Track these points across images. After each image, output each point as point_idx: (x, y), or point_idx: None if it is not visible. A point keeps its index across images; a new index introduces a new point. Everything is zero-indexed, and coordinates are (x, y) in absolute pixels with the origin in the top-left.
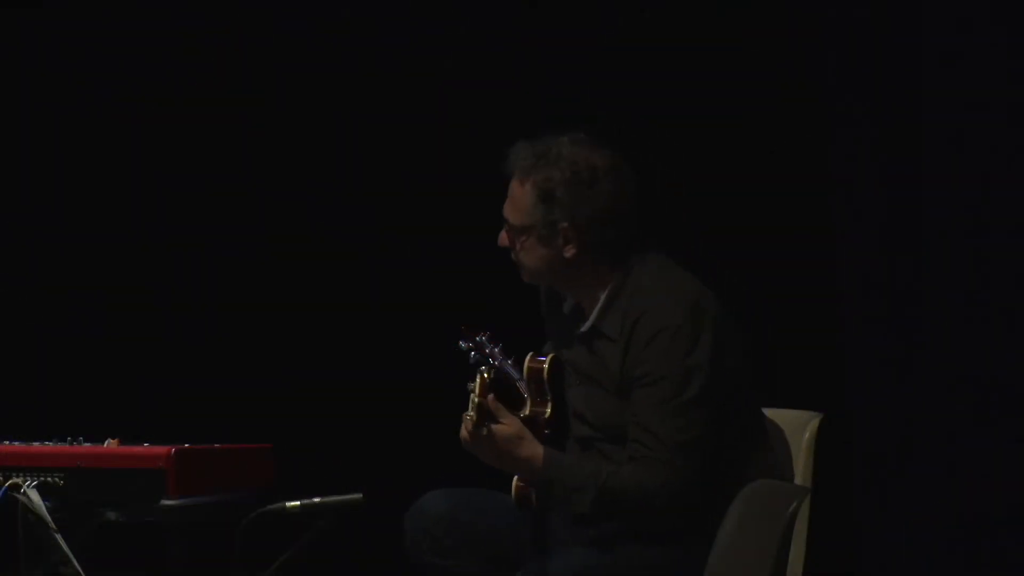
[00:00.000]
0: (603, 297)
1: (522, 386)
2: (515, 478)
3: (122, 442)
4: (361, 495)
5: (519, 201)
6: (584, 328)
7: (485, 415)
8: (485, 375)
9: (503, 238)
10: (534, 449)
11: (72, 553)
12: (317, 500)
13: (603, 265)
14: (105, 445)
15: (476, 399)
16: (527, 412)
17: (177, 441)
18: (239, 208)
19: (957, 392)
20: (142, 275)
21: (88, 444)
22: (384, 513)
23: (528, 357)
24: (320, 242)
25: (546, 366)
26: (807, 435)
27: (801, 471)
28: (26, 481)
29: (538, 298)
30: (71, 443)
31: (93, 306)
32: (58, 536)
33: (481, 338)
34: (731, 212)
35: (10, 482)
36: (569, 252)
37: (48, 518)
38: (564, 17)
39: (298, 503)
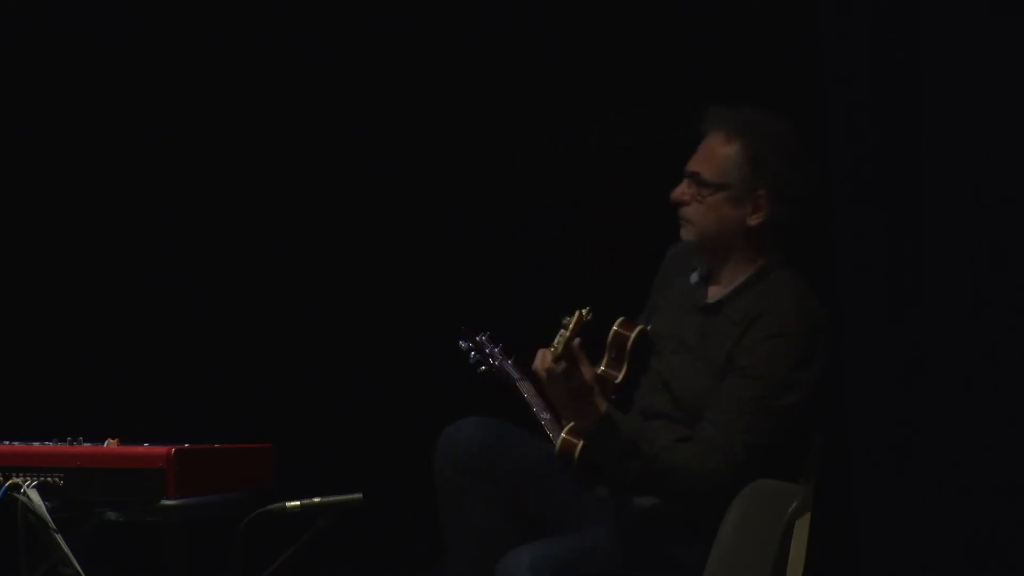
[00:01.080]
0: (741, 280)
1: (523, 386)
2: (564, 432)
3: (122, 442)
4: (361, 495)
5: (721, 158)
6: (709, 300)
7: (569, 354)
8: (583, 314)
9: (681, 192)
10: (600, 402)
11: (72, 553)
12: (317, 500)
13: (763, 245)
14: (105, 445)
15: (567, 334)
16: (599, 371)
17: (177, 441)
18: (239, 208)
19: (957, 392)
20: (142, 275)
21: (88, 444)
22: (384, 513)
23: (617, 321)
24: (321, 242)
25: (632, 335)
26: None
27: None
28: (26, 481)
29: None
30: (71, 443)
31: (94, 306)
32: (58, 536)
33: (481, 338)
34: None
35: (10, 482)
36: (754, 220)
37: (48, 518)
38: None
39: (298, 503)
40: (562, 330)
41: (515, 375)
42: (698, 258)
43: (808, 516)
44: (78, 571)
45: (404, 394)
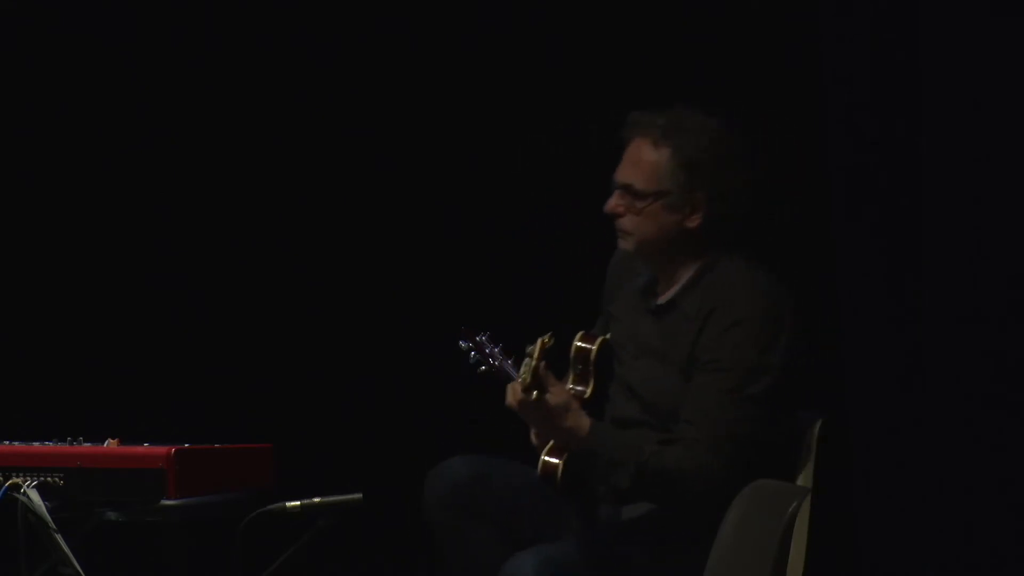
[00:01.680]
0: (688, 276)
1: None
2: (543, 453)
3: (122, 442)
4: (361, 495)
5: (653, 166)
6: (661, 301)
7: (537, 380)
8: (545, 340)
9: (615, 204)
10: (579, 420)
11: (72, 553)
12: (317, 500)
13: (705, 242)
14: (105, 445)
15: (533, 362)
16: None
17: (177, 441)
18: (239, 208)
19: (957, 392)
20: (142, 275)
21: (88, 444)
22: (384, 513)
23: (578, 336)
24: (321, 242)
25: (595, 347)
26: (808, 435)
27: (801, 471)
28: (26, 481)
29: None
30: (71, 443)
31: (94, 306)
32: (58, 536)
33: (481, 338)
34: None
35: (10, 482)
36: (693, 222)
37: (48, 518)
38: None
39: (298, 503)
40: (527, 359)
41: (515, 375)
42: (641, 264)
43: (808, 516)
44: (78, 571)
45: (404, 394)
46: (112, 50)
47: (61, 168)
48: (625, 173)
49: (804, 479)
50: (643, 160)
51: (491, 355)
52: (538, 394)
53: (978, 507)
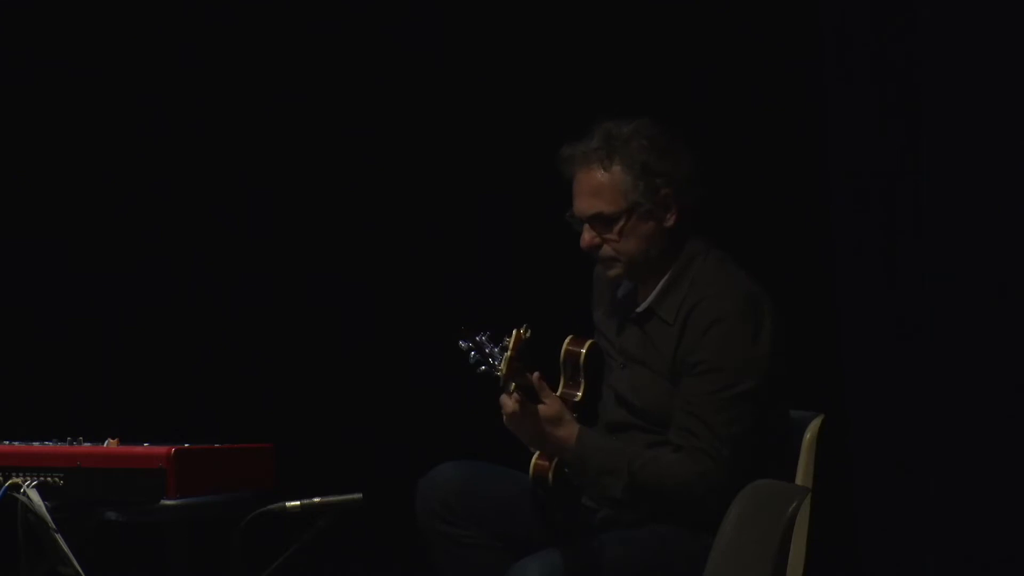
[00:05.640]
0: (663, 281)
1: None
2: (535, 456)
3: (122, 442)
4: (361, 495)
5: (611, 186)
6: (640, 308)
7: (513, 372)
8: (521, 332)
9: (591, 239)
10: (570, 429)
11: (72, 553)
12: (317, 500)
13: (681, 237)
14: (105, 445)
15: (508, 354)
16: (558, 393)
17: (177, 441)
18: (239, 208)
19: (957, 392)
20: (142, 274)
21: (88, 444)
22: (384, 513)
23: (567, 340)
24: (321, 242)
25: (584, 351)
26: (807, 435)
27: (801, 471)
28: (26, 481)
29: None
30: (71, 443)
31: (94, 306)
32: (58, 536)
33: (481, 338)
34: (730, 210)
35: (10, 482)
36: (671, 220)
37: (48, 518)
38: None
39: (298, 503)
40: (505, 354)
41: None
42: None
43: (808, 516)
44: (78, 571)
45: (404, 394)
46: (112, 50)
47: (60, 166)
48: (587, 205)
49: (804, 479)
50: (598, 186)
51: (491, 355)
52: (515, 387)
53: (978, 507)
